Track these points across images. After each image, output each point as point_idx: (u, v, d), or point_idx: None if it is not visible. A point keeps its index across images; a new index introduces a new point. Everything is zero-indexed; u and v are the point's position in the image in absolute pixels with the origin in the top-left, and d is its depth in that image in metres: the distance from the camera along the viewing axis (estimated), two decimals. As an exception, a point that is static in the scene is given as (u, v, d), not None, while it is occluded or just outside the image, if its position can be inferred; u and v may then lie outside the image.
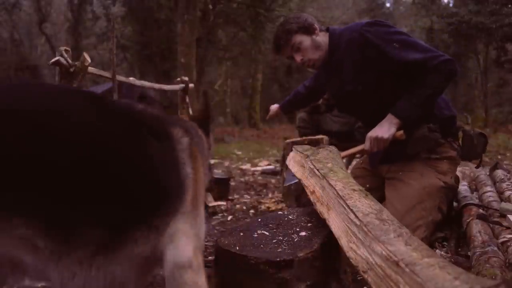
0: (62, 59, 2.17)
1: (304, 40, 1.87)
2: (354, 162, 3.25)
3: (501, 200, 2.06)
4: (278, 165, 5.36)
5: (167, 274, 0.84)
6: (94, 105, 0.82)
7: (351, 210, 1.00)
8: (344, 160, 2.49)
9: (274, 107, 2.62)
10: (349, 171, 2.32)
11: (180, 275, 0.85)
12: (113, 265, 0.76)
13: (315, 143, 2.38)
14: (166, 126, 0.92)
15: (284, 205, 3.06)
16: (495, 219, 1.75)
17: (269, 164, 5.96)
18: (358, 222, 0.94)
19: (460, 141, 1.95)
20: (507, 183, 2.28)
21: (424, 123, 1.80)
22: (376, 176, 2.07)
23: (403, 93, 1.75)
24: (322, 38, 1.90)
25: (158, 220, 0.82)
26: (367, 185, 1.97)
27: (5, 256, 0.68)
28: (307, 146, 1.78)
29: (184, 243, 0.86)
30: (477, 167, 2.19)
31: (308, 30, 1.87)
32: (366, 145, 1.80)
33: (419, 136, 1.80)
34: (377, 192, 1.94)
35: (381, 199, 1.81)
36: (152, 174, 0.82)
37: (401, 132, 1.75)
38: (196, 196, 0.92)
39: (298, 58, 1.90)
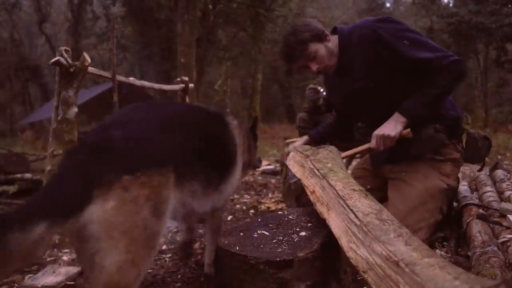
0: (62, 59, 2.17)
1: (319, 48, 1.83)
2: (354, 163, 3.25)
3: (501, 200, 2.06)
4: (278, 165, 5.36)
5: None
6: (203, 111, 1.61)
7: (351, 210, 1.00)
8: (344, 160, 2.49)
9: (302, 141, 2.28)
10: (349, 171, 2.32)
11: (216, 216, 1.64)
12: (210, 195, 1.41)
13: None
14: (226, 116, 1.68)
15: (284, 205, 3.06)
16: (495, 219, 1.75)
17: (269, 164, 5.96)
18: (358, 222, 0.94)
19: (464, 144, 1.94)
20: (507, 183, 2.28)
21: (430, 123, 1.79)
22: (377, 177, 2.07)
23: (414, 91, 1.74)
24: (333, 42, 1.88)
25: (230, 169, 1.53)
26: (368, 186, 1.96)
27: (168, 191, 1.13)
28: (307, 146, 1.78)
29: (230, 187, 1.57)
30: (479, 170, 2.18)
31: (321, 37, 1.84)
32: (372, 143, 1.78)
33: (425, 136, 1.79)
34: (378, 192, 1.94)
35: (382, 200, 1.81)
36: (226, 144, 1.53)
37: (408, 130, 1.74)
38: (238, 158, 1.63)
39: (314, 67, 1.85)
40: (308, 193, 1.37)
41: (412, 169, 1.86)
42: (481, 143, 1.90)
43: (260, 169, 5.46)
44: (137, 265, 1.02)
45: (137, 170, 1.04)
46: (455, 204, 2.17)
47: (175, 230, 2.57)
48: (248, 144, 1.80)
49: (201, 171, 1.32)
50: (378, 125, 1.79)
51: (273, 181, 4.51)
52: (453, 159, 1.87)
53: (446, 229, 1.97)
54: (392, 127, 1.73)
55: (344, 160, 2.65)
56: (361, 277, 0.97)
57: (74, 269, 1.73)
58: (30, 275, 1.73)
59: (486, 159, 2.07)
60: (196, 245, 2.21)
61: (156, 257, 2.02)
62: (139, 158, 1.07)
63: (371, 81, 1.80)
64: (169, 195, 1.12)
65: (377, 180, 2.06)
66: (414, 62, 1.71)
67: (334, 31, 1.93)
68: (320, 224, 1.26)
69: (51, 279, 1.60)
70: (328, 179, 1.25)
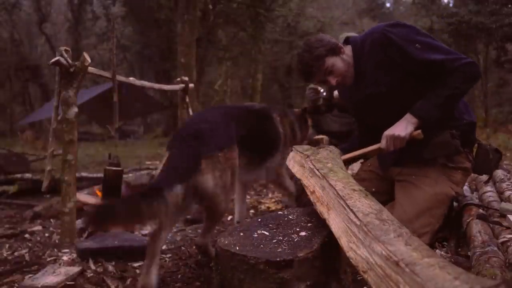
0: (62, 59, 2.16)
1: (335, 61, 1.84)
2: (354, 163, 3.25)
3: (501, 200, 2.06)
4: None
5: (272, 173, 2.24)
6: (254, 109, 2.20)
7: (351, 210, 1.00)
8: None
9: None
10: (349, 171, 2.32)
11: (277, 173, 2.24)
12: (262, 169, 2.14)
13: (315, 143, 2.38)
14: (271, 112, 2.22)
15: (284, 205, 3.06)
16: (495, 219, 1.75)
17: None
18: (358, 222, 0.94)
19: (474, 154, 1.91)
20: (507, 183, 2.28)
21: (446, 128, 1.77)
22: (383, 180, 2.05)
23: (425, 94, 1.72)
24: (347, 53, 1.88)
25: (274, 153, 2.15)
26: (373, 189, 1.95)
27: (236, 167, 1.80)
28: (307, 146, 1.78)
29: (279, 164, 2.20)
30: (486, 182, 2.17)
31: (336, 50, 1.84)
32: (382, 144, 1.76)
33: (440, 141, 1.77)
34: (383, 196, 1.92)
35: (385, 203, 1.80)
36: (270, 131, 2.12)
37: (419, 131, 1.71)
38: (285, 142, 2.22)
39: (332, 80, 1.86)
40: (308, 193, 1.37)
41: (422, 173, 1.84)
42: (492, 155, 1.87)
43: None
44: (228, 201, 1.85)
45: (222, 149, 1.72)
46: (455, 204, 2.16)
47: (175, 230, 2.57)
48: (299, 126, 2.42)
49: (253, 149, 1.96)
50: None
51: (273, 181, 4.50)
52: (464, 168, 1.86)
53: (446, 229, 1.97)
54: (403, 127, 1.71)
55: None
56: (361, 277, 0.97)
57: (74, 269, 1.73)
58: (30, 275, 1.74)
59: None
60: (196, 245, 2.21)
61: (156, 257, 2.02)
62: (221, 141, 1.74)
63: (383, 85, 1.79)
64: (237, 164, 1.80)
65: (383, 183, 2.04)
66: (426, 64, 1.70)
67: (347, 41, 1.94)
68: (320, 224, 1.26)
69: (51, 279, 1.60)
70: (328, 179, 1.25)
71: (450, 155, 1.83)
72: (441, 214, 1.79)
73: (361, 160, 2.31)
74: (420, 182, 1.82)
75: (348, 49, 1.89)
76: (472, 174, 2.88)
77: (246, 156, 1.89)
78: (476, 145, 1.91)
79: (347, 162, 2.00)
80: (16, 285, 1.68)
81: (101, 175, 2.66)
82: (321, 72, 1.85)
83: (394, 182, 1.96)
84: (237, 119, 1.91)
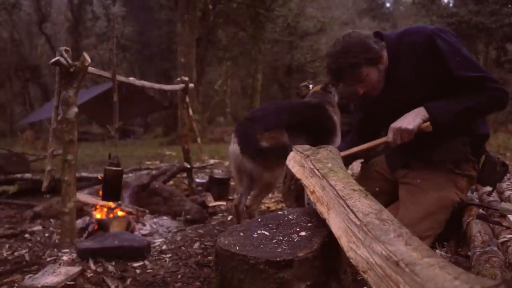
0: (62, 59, 2.16)
1: (371, 72, 1.73)
2: (354, 162, 3.25)
3: (501, 200, 2.06)
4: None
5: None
6: (308, 103, 2.70)
7: (351, 210, 1.00)
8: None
9: None
10: (349, 171, 2.32)
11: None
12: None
13: (315, 143, 2.38)
14: (325, 104, 2.63)
15: (284, 205, 3.06)
16: (495, 219, 1.75)
17: (269, 164, 5.94)
18: (358, 222, 0.94)
19: (480, 164, 1.88)
20: (507, 183, 2.28)
21: (459, 134, 1.74)
22: (388, 182, 2.03)
23: None
24: (384, 60, 1.76)
25: (330, 138, 2.51)
26: (376, 189, 1.93)
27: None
28: (307, 146, 1.78)
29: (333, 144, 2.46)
30: (489, 195, 2.16)
31: (375, 61, 1.73)
32: (389, 137, 1.69)
33: (451, 146, 1.74)
34: (385, 196, 1.90)
35: (386, 204, 1.78)
36: (324, 120, 2.55)
37: (428, 123, 1.63)
38: (337, 128, 2.60)
39: (361, 90, 1.77)
40: (308, 193, 1.37)
41: (428, 178, 1.81)
42: (500, 168, 1.85)
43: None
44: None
45: (269, 129, 2.18)
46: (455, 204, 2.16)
47: (175, 230, 2.58)
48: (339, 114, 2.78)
49: (304, 134, 2.34)
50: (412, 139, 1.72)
51: (273, 181, 4.50)
52: (470, 176, 1.84)
53: (446, 229, 1.97)
54: (411, 119, 1.64)
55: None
56: (361, 277, 0.97)
57: (74, 269, 1.73)
58: (30, 275, 1.74)
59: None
60: (196, 245, 2.21)
61: (156, 257, 2.02)
62: (269, 124, 2.20)
63: (416, 92, 1.72)
64: (284, 145, 2.16)
65: (387, 184, 2.02)
66: (461, 80, 1.63)
67: (380, 36, 1.79)
68: (320, 224, 1.26)
69: (51, 279, 1.60)
70: (328, 179, 1.25)
71: (459, 162, 1.80)
72: (444, 220, 1.78)
73: (361, 160, 2.31)
74: (426, 186, 1.80)
75: (384, 52, 1.76)
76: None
77: (306, 140, 2.24)
78: (484, 156, 1.87)
79: (350, 157, 1.99)
80: (16, 285, 1.68)
81: (101, 175, 2.66)
82: (353, 79, 1.75)
83: (399, 184, 1.94)
84: (290, 111, 2.44)
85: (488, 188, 2.27)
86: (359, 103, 2.13)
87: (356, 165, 2.88)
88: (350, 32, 1.77)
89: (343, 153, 1.87)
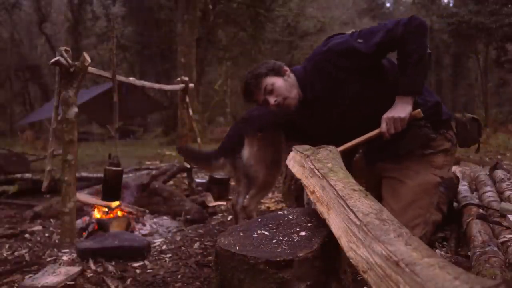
0: (62, 59, 2.16)
1: (276, 81, 1.84)
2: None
3: (501, 200, 2.06)
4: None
5: None
6: None
7: (351, 210, 1.00)
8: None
9: None
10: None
11: None
12: None
13: (315, 143, 2.38)
14: None
15: (284, 205, 3.06)
16: (495, 219, 1.75)
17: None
18: (358, 222, 0.94)
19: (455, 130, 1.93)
20: (507, 183, 2.28)
21: (414, 121, 1.77)
22: (370, 177, 2.05)
23: (385, 90, 1.74)
24: (293, 78, 1.88)
25: None
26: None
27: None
28: (307, 146, 1.78)
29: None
30: (476, 152, 2.17)
31: (279, 71, 1.85)
32: (382, 127, 1.73)
33: (409, 135, 1.78)
34: (373, 192, 1.92)
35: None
36: None
37: (418, 110, 1.70)
38: None
39: (272, 99, 1.84)
40: (308, 193, 1.37)
41: (403, 166, 1.85)
42: (470, 125, 1.89)
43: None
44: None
45: (263, 130, 2.11)
46: (455, 204, 2.16)
47: (175, 230, 2.58)
48: None
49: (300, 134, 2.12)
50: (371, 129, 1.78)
51: (273, 181, 4.50)
52: (444, 149, 1.86)
53: (446, 229, 1.97)
54: (401, 108, 1.69)
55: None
56: (361, 277, 0.97)
57: (74, 269, 1.73)
58: (30, 275, 1.74)
59: (486, 159, 2.07)
60: (196, 245, 2.21)
61: (156, 257, 2.02)
62: (265, 124, 2.12)
63: (346, 99, 1.80)
64: (282, 146, 2.14)
65: (369, 180, 2.04)
66: (379, 50, 1.70)
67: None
68: (320, 224, 1.26)
69: (51, 279, 1.60)
70: (328, 179, 1.25)
71: (424, 144, 1.83)
72: (430, 203, 1.79)
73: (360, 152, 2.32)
74: (403, 176, 1.83)
75: (292, 76, 1.88)
76: (472, 174, 2.89)
77: (303, 140, 2.12)
78: (454, 120, 1.93)
79: (346, 153, 1.99)
80: (16, 285, 1.68)
81: (101, 175, 2.66)
82: (260, 90, 1.85)
83: (382, 179, 1.96)
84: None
85: (489, 188, 2.27)
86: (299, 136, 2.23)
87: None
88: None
89: (339, 148, 1.87)
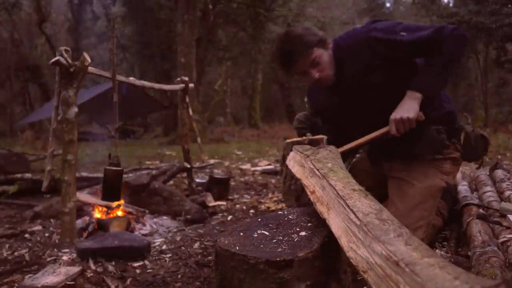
0: (62, 59, 2.16)
1: (323, 54, 1.74)
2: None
3: (501, 200, 2.05)
4: (278, 165, 5.35)
5: None
6: None
7: (351, 210, 1.00)
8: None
9: None
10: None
11: None
12: None
13: (315, 143, 2.38)
14: None
15: (284, 205, 3.06)
16: (495, 219, 1.75)
17: (269, 164, 5.96)
18: (358, 222, 0.94)
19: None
20: (507, 183, 2.28)
21: (431, 124, 1.77)
22: (373, 176, 2.05)
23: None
24: (331, 53, 1.79)
25: None
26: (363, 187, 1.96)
27: None
28: (307, 146, 1.78)
29: None
30: (477, 168, 2.19)
31: (325, 43, 1.76)
32: (392, 129, 1.70)
33: (427, 138, 1.77)
34: (372, 191, 1.92)
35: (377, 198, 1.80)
36: None
37: (420, 113, 1.69)
38: None
39: (315, 74, 1.74)
40: (308, 193, 1.37)
41: (412, 168, 1.85)
42: (476, 141, 1.87)
43: (260, 169, 5.47)
44: None
45: None
46: (455, 204, 2.17)
47: (175, 230, 2.58)
48: None
49: None
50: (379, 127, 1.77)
51: (273, 181, 4.51)
52: (453, 158, 1.87)
53: (446, 229, 1.97)
54: (409, 107, 1.66)
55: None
56: (361, 277, 0.97)
57: (74, 269, 1.73)
58: (30, 275, 1.73)
59: (486, 159, 2.07)
60: (196, 245, 2.21)
61: (156, 257, 2.02)
62: None
63: (374, 86, 1.76)
64: None
65: (371, 180, 2.01)
66: (417, 46, 1.67)
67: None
68: (320, 224, 1.26)
69: (51, 279, 1.60)
70: (328, 179, 1.25)
71: (438, 149, 1.83)
72: (434, 206, 1.80)
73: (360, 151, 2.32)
74: (411, 177, 1.83)
75: (329, 41, 1.81)
76: (472, 174, 2.90)
77: None
78: (463, 132, 1.91)
79: (351, 152, 1.99)
80: (16, 285, 1.68)
81: (101, 175, 2.66)
82: (306, 61, 1.72)
83: (388, 178, 1.95)
84: None
85: (489, 188, 2.27)
86: (322, 116, 2.20)
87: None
88: (291, 27, 1.84)
89: (343, 148, 1.87)
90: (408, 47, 1.68)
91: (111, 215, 2.60)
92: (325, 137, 2.50)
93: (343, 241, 0.98)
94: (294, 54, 1.71)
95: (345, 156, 1.86)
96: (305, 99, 3.67)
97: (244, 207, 3.21)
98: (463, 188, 2.36)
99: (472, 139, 1.86)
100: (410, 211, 1.74)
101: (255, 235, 1.27)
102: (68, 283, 1.62)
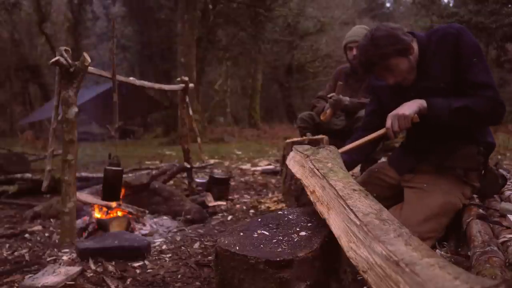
0: (62, 59, 2.16)
1: (401, 62, 1.75)
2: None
3: (501, 200, 2.05)
4: (278, 165, 5.36)
5: None
6: None
7: (351, 210, 1.00)
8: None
9: None
10: (349, 172, 2.32)
11: None
12: None
13: (315, 143, 2.38)
14: None
15: (284, 205, 3.06)
16: (495, 219, 1.75)
17: (269, 164, 5.96)
18: (358, 222, 0.94)
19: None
20: (507, 183, 2.27)
21: (473, 142, 1.78)
22: (389, 188, 2.03)
23: None
24: (415, 53, 1.79)
25: None
26: (374, 194, 1.95)
27: None
28: (307, 146, 1.78)
29: None
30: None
31: (405, 52, 1.74)
32: (387, 123, 1.72)
33: (466, 153, 1.78)
34: (384, 202, 1.91)
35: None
36: None
37: (416, 115, 1.69)
38: None
39: (391, 79, 1.78)
40: (308, 193, 1.37)
41: (434, 182, 1.84)
42: (501, 181, 1.90)
43: (260, 169, 5.47)
44: None
45: None
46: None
47: (175, 230, 2.58)
48: None
49: None
50: (433, 130, 1.79)
51: (273, 181, 4.51)
52: (474, 186, 1.88)
53: (446, 229, 1.97)
54: (408, 107, 1.68)
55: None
56: (361, 277, 0.97)
57: (74, 269, 1.73)
58: (30, 275, 1.73)
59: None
60: (196, 245, 2.21)
61: (156, 257, 2.02)
62: None
63: (443, 81, 1.75)
64: None
65: (388, 190, 2.02)
66: (469, 81, 1.67)
67: (411, 34, 1.84)
68: (320, 224, 1.26)
69: (51, 279, 1.60)
70: (328, 179, 1.25)
71: (469, 170, 1.83)
72: (446, 223, 1.81)
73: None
74: (432, 190, 1.82)
75: (415, 45, 1.80)
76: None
77: None
78: (485, 168, 1.92)
79: (363, 157, 2.00)
80: (16, 285, 1.68)
81: (101, 175, 2.66)
82: (383, 69, 1.78)
83: (404, 188, 1.94)
84: None
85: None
86: (375, 94, 2.11)
87: (356, 168, 2.88)
88: (379, 25, 1.80)
89: (343, 148, 1.87)
90: (463, 75, 1.69)
91: (111, 215, 2.60)
92: (325, 137, 2.50)
93: (343, 241, 0.98)
94: (370, 65, 1.78)
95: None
96: (339, 83, 3.49)
97: (244, 207, 3.21)
98: (463, 188, 2.36)
99: (500, 178, 1.89)
100: (426, 221, 1.74)
101: (255, 235, 1.27)
102: (68, 283, 1.62)
